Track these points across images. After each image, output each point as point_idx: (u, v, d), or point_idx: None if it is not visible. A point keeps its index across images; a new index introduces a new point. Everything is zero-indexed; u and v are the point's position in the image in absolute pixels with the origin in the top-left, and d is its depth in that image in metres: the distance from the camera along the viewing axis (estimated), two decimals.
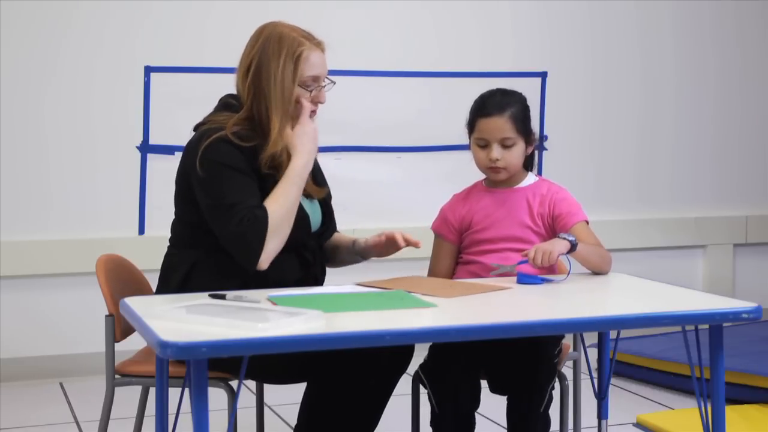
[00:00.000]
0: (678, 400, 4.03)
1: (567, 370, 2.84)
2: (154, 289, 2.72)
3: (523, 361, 2.57)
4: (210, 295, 2.31)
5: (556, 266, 2.67)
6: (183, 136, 2.70)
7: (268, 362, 2.23)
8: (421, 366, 2.68)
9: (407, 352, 2.59)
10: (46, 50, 4.31)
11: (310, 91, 2.64)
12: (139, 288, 2.76)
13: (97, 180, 4.41)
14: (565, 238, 2.59)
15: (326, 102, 2.70)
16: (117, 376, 2.56)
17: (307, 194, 2.67)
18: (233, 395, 2.42)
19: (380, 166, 4.77)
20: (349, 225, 4.17)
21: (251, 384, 3.31)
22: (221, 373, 2.45)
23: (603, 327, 2.63)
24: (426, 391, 2.66)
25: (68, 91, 4.35)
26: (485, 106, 2.75)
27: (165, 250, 2.70)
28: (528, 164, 2.85)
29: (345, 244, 2.85)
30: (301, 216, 2.60)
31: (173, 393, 2.24)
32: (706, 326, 2.37)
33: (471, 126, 2.78)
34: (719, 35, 5.37)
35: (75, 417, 3.83)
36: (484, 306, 2.33)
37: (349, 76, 4.52)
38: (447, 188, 2.98)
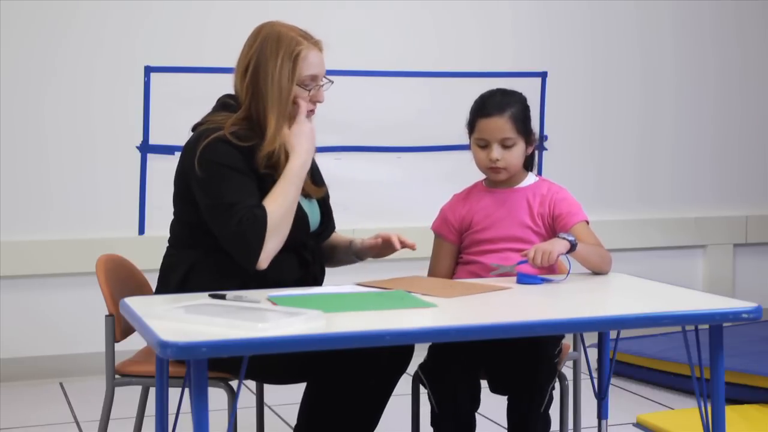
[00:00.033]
0: (678, 400, 4.03)
1: (567, 370, 2.84)
2: (154, 289, 2.72)
3: (523, 361, 2.57)
4: (210, 295, 2.31)
5: (555, 266, 2.67)
6: (183, 136, 2.69)
7: (268, 362, 2.23)
8: (421, 366, 2.68)
9: (407, 352, 2.59)
10: (46, 50, 4.31)
11: (309, 91, 2.64)
12: (139, 288, 2.76)
13: (97, 180, 4.41)
14: (564, 238, 2.59)
15: (326, 102, 2.70)
16: (117, 376, 2.56)
17: (305, 194, 2.67)
18: (233, 395, 2.42)
19: (380, 166, 4.77)
20: (349, 225, 4.17)
21: (251, 384, 3.30)
22: (221, 373, 2.45)
23: (603, 327, 2.63)
24: (426, 391, 2.66)
25: (68, 91, 4.35)
26: (485, 107, 2.75)
27: (165, 250, 2.70)
28: (528, 164, 2.85)
29: (342, 244, 2.86)
30: (300, 216, 2.60)
31: (173, 393, 2.24)
32: (706, 326, 2.37)
33: (471, 126, 2.78)
34: (719, 35, 5.37)
35: (75, 417, 3.83)
36: (484, 306, 2.33)
37: (349, 76, 4.52)
38: (447, 188, 2.98)
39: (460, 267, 2.81)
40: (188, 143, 2.61)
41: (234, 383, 2.46)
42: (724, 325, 2.37)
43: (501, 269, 2.64)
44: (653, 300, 2.51)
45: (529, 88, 3.21)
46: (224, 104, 2.68)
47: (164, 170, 3.43)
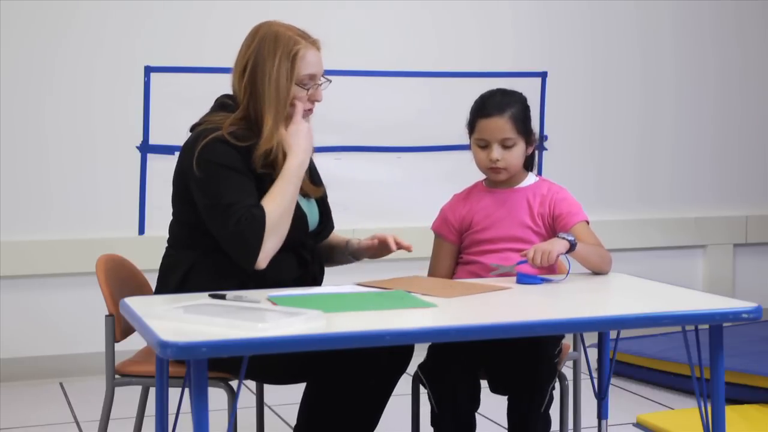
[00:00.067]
0: (678, 400, 4.03)
1: (567, 370, 2.84)
2: (154, 290, 2.72)
3: (523, 361, 2.57)
4: (210, 295, 2.31)
5: (555, 266, 2.67)
6: (183, 136, 2.69)
7: (268, 362, 2.23)
8: (421, 366, 2.68)
9: (407, 352, 2.59)
10: (46, 50, 4.31)
11: (307, 90, 2.63)
12: (139, 288, 2.76)
13: (97, 180, 4.41)
14: (564, 238, 2.58)
15: (326, 102, 2.70)
16: (117, 376, 2.56)
17: (304, 193, 2.67)
18: (233, 395, 2.42)
19: (380, 166, 4.77)
20: (349, 225, 4.17)
21: (251, 384, 3.30)
22: (221, 373, 2.45)
23: (603, 327, 2.63)
24: (426, 391, 2.66)
25: (68, 91, 4.35)
26: (485, 107, 2.75)
27: (164, 250, 2.70)
28: (528, 164, 2.85)
29: (339, 244, 2.86)
30: (299, 215, 2.60)
31: (173, 393, 2.24)
32: (706, 326, 2.37)
33: (471, 126, 2.78)
34: (719, 35, 5.37)
35: (75, 417, 3.83)
36: (484, 306, 2.33)
37: (349, 76, 4.53)
38: (447, 188, 2.98)
39: (460, 267, 2.81)
40: (186, 143, 2.61)
41: (234, 383, 2.46)
42: (724, 325, 2.37)
43: (501, 269, 2.64)
44: (653, 300, 2.51)
45: (529, 88, 3.21)
46: (222, 104, 2.68)
47: (164, 170, 3.42)
